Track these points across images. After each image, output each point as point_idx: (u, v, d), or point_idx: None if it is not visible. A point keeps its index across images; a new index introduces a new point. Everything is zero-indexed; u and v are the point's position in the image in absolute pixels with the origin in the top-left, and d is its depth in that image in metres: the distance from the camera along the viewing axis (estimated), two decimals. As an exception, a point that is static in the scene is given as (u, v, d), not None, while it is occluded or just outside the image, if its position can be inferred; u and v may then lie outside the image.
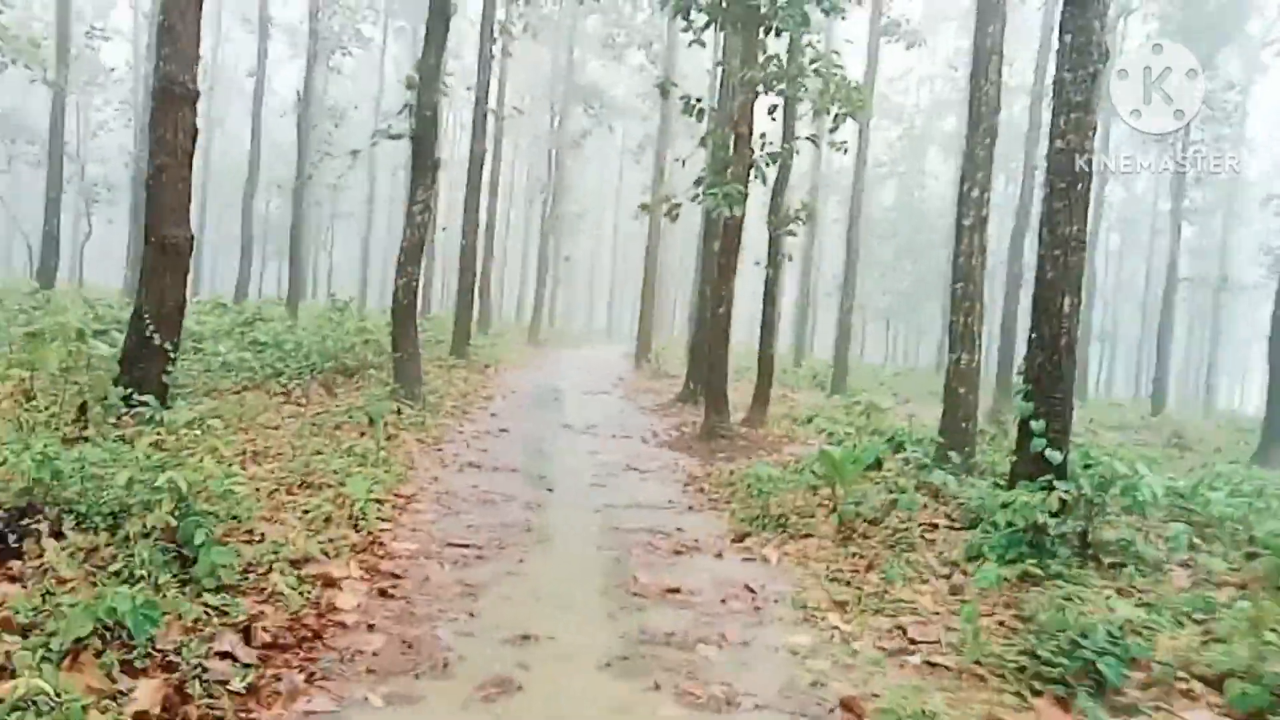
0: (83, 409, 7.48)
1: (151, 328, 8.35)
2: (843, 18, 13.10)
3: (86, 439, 6.75)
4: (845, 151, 16.10)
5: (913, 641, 5.11)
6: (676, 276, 59.92)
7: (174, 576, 4.35)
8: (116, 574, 4.15)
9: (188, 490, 4.59)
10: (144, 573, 4.18)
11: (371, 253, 45.47)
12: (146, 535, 4.47)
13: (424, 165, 13.39)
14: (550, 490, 8.70)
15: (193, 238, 8.69)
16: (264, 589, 4.70)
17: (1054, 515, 6.47)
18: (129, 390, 7.92)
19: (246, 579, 4.74)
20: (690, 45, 14.79)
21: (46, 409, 7.52)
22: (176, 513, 4.54)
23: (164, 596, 4.06)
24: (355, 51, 32.79)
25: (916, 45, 28.43)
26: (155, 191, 8.36)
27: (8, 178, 38.33)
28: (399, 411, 11.38)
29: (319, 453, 8.21)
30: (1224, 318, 48.45)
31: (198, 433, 6.87)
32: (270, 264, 49.32)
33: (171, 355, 8.55)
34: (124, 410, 7.70)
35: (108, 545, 4.38)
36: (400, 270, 13.53)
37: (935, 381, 30.78)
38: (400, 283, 13.47)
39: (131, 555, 4.26)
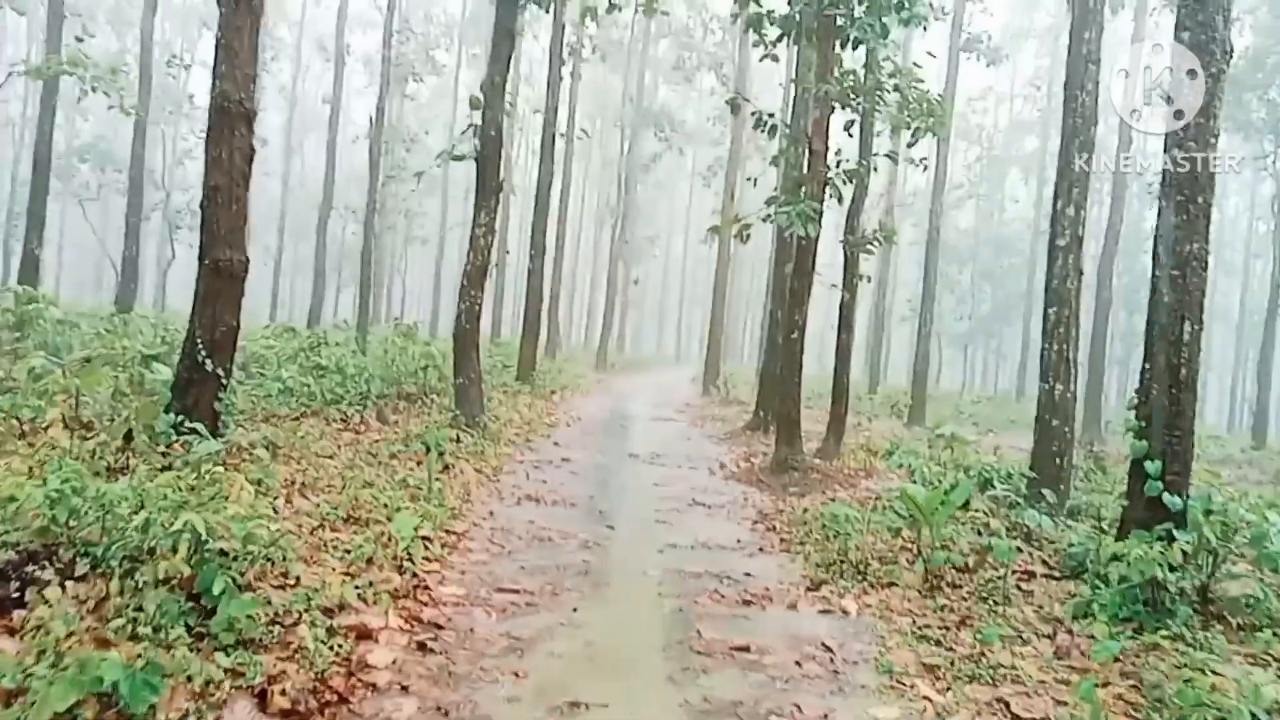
0: (128, 437, 7.22)
1: (204, 353, 8.10)
2: (923, 28, 12.43)
3: (129, 469, 6.47)
4: (925, 168, 15.37)
5: (1017, 718, 4.45)
6: (747, 300, 59.24)
7: (188, 630, 3.94)
8: (122, 629, 3.75)
9: (208, 532, 4.20)
10: (152, 627, 3.78)
11: (443, 277, 45.73)
12: (162, 583, 4.08)
13: (488, 187, 13.08)
14: (610, 528, 8.17)
15: (247, 260, 8.39)
16: (290, 643, 4.28)
17: (1173, 569, 5.74)
18: (179, 417, 7.67)
19: (271, 632, 4.31)
20: (762, 60, 14.32)
21: (94, 437, 7.29)
22: (194, 558, 4.14)
23: (173, 655, 3.65)
24: (428, 78, 33.14)
25: (997, 62, 27.59)
26: (209, 213, 8.10)
27: (98, 205, 39.66)
28: (458, 439, 11.03)
29: (369, 484, 7.84)
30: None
31: (220, 468, 6.43)
32: (345, 289, 50.18)
33: (224, 381, 8.30)
34: (174, 438, 7.45)
35: (119, 594, 3.98)
36: (463, 294, 13.19)
37: (1017, 409, 29.50)
38: (463, 307, 13.13)
39: (141, 607, 3.87)
